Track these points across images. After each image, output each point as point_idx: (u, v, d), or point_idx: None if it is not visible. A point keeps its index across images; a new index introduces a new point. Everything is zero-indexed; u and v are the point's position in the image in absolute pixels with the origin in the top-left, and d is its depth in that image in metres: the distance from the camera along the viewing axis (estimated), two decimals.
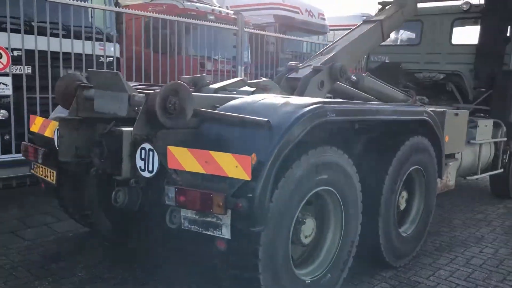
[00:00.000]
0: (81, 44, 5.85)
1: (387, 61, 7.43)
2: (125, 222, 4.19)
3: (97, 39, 6.19)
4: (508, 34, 6.40)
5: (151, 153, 2.89)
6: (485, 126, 5.73)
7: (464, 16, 6.79)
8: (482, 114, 6.47)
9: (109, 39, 6.48)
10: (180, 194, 2.73)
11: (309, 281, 3.13)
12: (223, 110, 3.09)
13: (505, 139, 6.22)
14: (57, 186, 3.75)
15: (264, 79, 4.35)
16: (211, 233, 2.74)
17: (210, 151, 2.68)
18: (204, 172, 2.71)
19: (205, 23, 7.84)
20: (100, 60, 6.40)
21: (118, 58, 6.91)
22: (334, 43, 5.49)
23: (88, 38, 6.04)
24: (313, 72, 4.67)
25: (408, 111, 3.97)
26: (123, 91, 3.08)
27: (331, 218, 3.33)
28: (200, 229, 2.78)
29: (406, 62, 7.25)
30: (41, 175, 3.86)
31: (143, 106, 2.94)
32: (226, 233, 2.68)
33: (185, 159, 2.76)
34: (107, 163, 3.23)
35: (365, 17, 17.25)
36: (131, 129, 2.94)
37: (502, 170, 6.31)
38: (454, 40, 6.92)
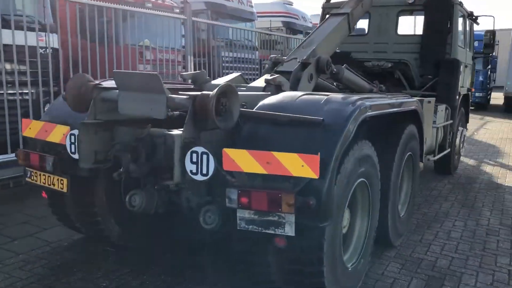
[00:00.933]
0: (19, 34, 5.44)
1: (337, 50, 7.76)
2: (135, 225, 4.07)
3: (34, 29, 5.77)
4: (448, 26, 7.01)
5: (204, 156, 2.84)
6: (441, 111, 6.29)
7: (409, 8, 7.31)
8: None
9: (46, 29, 6.04)
10: (244, 195, 2.74)
11: (350, 269, 3.31)
12: (261, 109, 3.12)
13: (451, 121, 6.87)
14: (70, 194, 3.52)
15: (276, 76, 4.30)
16: (272, 232, 2.79)
17: (272, 152, 2.71)
18: (266, 173, 2.74)
19: (150, 11, 7.59)
20: (42, 52, 5.96)
21: (57, 50, 6.49)
22: (309, 36, 5.65)
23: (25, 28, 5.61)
24: (302, 66, 4.79)
25: (408, 102, 4.28)
26: (161, 93, 2.98)
27: (361, 207, 3.53)
28: (260, 229, 2.81)
29: (355, 51, 7.62)
30: (44, 183, 3.59)
31: (190, 108, 2.88)
32: (289, 230, 2.74)
33: (243, 160, 2.77)
34: (146, 168, 3.11)
35: (286, 4, 17.73)
36: (180, 132, 2.86)
37: (449, 149, 6.98)
38: (400, 31, 7.43)
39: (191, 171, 2.90)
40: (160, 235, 4.09)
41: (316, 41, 5.31)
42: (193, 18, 8.39)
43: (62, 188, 3.50)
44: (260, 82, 4.15)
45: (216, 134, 3.11)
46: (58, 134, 3.47)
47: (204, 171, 2.86)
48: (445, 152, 6.78)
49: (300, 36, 15.18)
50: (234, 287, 3.52)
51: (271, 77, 4.05)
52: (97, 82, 3.44)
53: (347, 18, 5.88)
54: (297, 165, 2.66)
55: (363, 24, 7.86)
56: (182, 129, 3.00)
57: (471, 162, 9.00)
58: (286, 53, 12.98)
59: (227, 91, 2.88)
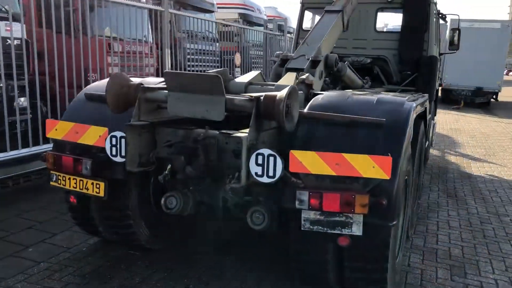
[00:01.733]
0: None
1: None
2: (163, 227, 3.97)
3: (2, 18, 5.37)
4: (425, 24, 7.33)
5: (271, 158, 2.83)
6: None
7: (387, 6, 7.55)
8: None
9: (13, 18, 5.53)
10: (315, 197, 2.77)
11: (396, 264, 3.43)
12: (313, 109, 3.15)
13: (430, 115, 7.23)
14: (107, 199, 3.36)
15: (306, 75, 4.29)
16: (338, 232, 2.85)
17: (343, 154, 2.76)
18: (334, 174, 2.78)
19: (125, 1, 7.29)
20: (7, 43, 5.53)
21: (27, 41, 6.07)
22: (310, 33, 5.70)
23: None
24: (312, 63, 4.85)
25: (425, 100, 4.46)
26: (220, 95, 2.92)
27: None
28: (325, 229, 2.86)
29: (334, 47, 7.78)
30: (75, 188, 3.40)
31: (254, 110, 2.85)
32: (357, 230, 2.81)
33: (311, 162, 2.80)
34: (204, 171, 3.04)
35: None
36: (246, 134, 2.83)
37: (427, 142, 7.34)
38: (379, 27, 7.67)
39: (256, 173, 2.88)
40: (186, 236, 4.02)
41: (318, 38, 5.37)
42: (170, 10, 8.17)
43: (98, 193, 3.34)
44: (287, 81, 4.14)
45: (272, 136, 3.11)
46: (93, 136, 3.30)
47: (271, 173, 2.85)
48: (426, 144, 7.13)
49: (260, 28, 15.18)
50: (277, 285, 3.53)
51: (303, 76, 4.07)
52: (138, 81, 3.30)
53: (341, 15, 6.00)
54: (368, 166, 2.72)
55: None
56: (243, 131, 2.97)
57: (435, 152, 9.52)
58: (242, 45, 13.07)
59: (291, 92, 2.87)
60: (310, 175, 2.83)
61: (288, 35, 14.62)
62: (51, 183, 3.52)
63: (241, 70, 11.80)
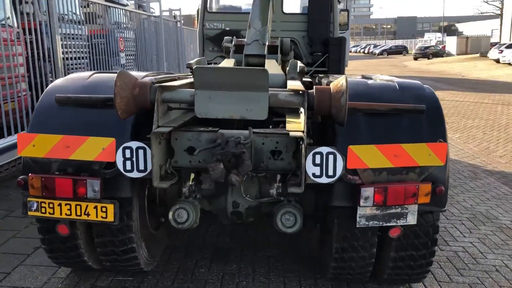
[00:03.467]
0: None
1: (227, 28, 7.62)
2: (159, 246, 3.48)
3: None
4: (330, 4, 7.57)
5: (330, 156, 2.63)
6: None
7: None
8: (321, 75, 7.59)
9: None
10: (380, 192, 2.66)
11: None
12: None
13: None
14: (117, 224, 2.78)
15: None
16: (393, 224, 2.80)
17: (401, 144, 2.70)
18: (392, 166, 2.71)
19: None
20: None
21: None
22: (252, 16, 5.41)
23: None
24: (268, 49, 4.65)
25: None
26: (264, 90, 2.60)
27: None
28: (380, 223, 2.79)
29: (244, 29, 7.62)
30: (69, 216, 2.76)
31: (305, 105, 2.61)
32: (411, 219, 2.80)
33: (371, 156, 2.69)
34: (254, 177, 2.69)
35: None
36: (301, 133, 2.57)
37: None
38: (286, 9, 7.69)
39: (313, 174, 2.65)
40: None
41: (263, 21, 5.15)
42: None
43: (105, 217, 2.75)
44: (274, 69, 3.86)
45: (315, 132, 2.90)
46: (93, 149, 2.70)
47: (331, 173, 2.65)
48: None
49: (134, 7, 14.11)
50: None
51: (298, 63, 3.86)
52: (152, 79, 2.76)
53: None
54: (424, 154, 2.70)
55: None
56: (292, 128, 2.69)
57: None
58: (107, 27, 11.99)
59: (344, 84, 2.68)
60: (368, 170, 2.70)
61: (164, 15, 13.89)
62: (29, 213, 2.79)
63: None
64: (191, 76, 3.76)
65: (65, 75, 5.53)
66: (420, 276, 3.19)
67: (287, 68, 3.87)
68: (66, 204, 2.74)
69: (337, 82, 2.62)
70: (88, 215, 2.74)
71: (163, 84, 2.68)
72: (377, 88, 3.13)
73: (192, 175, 2.90)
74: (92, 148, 2.68)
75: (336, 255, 3.01)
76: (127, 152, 2.66)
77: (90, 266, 3.22)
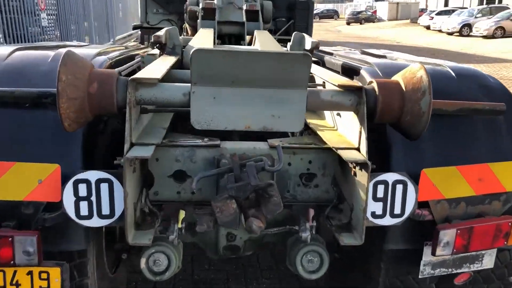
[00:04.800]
0: None
1: None
2: None
3: None
4: None
5: (399, 187, 1.77)
6: None
7: None
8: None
9: None
10: (463, 235, 1.85)
11: None
12: None
13: None
14: None
15: None
16: (465, 270, 2.04)
17: (488, 164, 1.89)
18: (474, 194, 1.91)
19: None
20: None
21: None
22: None
23: None
24: (249, 14, 3.64)
25: None
26: (301, 87, 1.67)
27: None
28: (450, 270, 2.02)
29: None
30: None
31: (362, 109, 1.72)
32: (489, 263, 2.07)
33: (449, 182, 1.88)
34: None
35: None
36: (363, 158, 1.67)
37: None
38: None
39: (373, 213, 1.79)
40: None
41: None
42: None
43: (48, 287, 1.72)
44: (272, 45, 2.89)
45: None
46: (23, 182, 1.65)
47: (398, 211, 1.80)
48: None
49: None
50: None
51: (310, 39, 2.91)
52: (117, 70, 1.72)
53: None
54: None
55: None
56: (332, 140, 1.79)
57: None
58: None
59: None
60: (442, 201, 1.89)
61: None
62: None
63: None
64: (156, 52, 2.71)
65: None
66: None
67: (289, 44, 2.92)
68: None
69: (410, 72, 1.73)
70: (17, 286, 1.71)
71: (138, 76, 1.65)
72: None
73: (182, 214, 1.91)
74: (21, 181, 1.63)
75: None
76: (81, 188, 1.63)
77: None
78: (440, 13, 33.13)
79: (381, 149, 1.96)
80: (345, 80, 1.96)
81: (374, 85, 1.75)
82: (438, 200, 1.88)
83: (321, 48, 3.21)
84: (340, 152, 1.69)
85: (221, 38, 3.61)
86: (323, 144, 1.89)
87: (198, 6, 3.83)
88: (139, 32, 7.34)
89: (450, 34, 28.30)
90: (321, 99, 1.74)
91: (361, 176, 1.67)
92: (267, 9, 3.95)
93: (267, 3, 4.00)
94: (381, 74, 2.16)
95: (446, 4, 40.99)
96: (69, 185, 1.62)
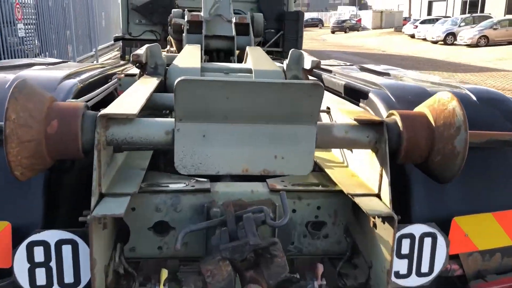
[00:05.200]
0: None
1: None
2: None
3: None
4: None
5: (427, 240, 1.47)
6: None
7: None
8: (273, 56, 6.40)
9: None
10: None
11: None
12: None
13: None
14: None
15: None
16: None
17: None
18: (509, 245, 1.63)
19: None
20: None
21: None
22: None
23: None
24: (239, 27, 3.35)
25: None
26: (309, 122, 1.38)
27: None
28: None
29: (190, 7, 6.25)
30: None
31: (385, 148, 1.42)
32: None
33: (483, 232, 1.58)
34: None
35: None
36: (389, 210, 1.38)
37: None
38: None
39: (396, 272, 1.49)
40: None
41: None
42: None
43: None
44: (265, 63, 2.59)
45: None
46: None
47: (425, 269, 1.50)
48: None
49: None
50: None
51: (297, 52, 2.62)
52: (86, 98, 1.41)
53: None
54: None
55: None
56: (345, 183, 1.49)
57: None
58: None
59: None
60: (475, 253, 1.60)
61: None
62: None
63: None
64: (135, 72, 2.40)
65: None
66: None
67: (285, 61, 2.62)
68: None
69: (439, 103, 1.45)
70: None
71: (109, 112, 1.33)
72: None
73: (164, 274, 1.58)
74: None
75: None
76: (38, 251, 1.30)
77: None
78: (424, 22, 33.32)
79: (398, 189, 1.67)
80: (361, 112, 1.67)
81: (397, 118, 1.46)
82: (471, 253, 1.59)
83: None
84: (357, 200, 1.40)
85: (208, 53, 3.31)
86: (334, 186, 1.59)
87: (183, 18, 3.52)
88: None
89: (435, 42, 28.44)
90: (333, 135, 1.45)
91: (384, 230, 1.37)
92: (258, 22, 3.66)
93: (258, 15, 3.72)
94: (393, 99, 1.88)
95: (429, 13, 41.37)
96: (22, 249, 1.30)
